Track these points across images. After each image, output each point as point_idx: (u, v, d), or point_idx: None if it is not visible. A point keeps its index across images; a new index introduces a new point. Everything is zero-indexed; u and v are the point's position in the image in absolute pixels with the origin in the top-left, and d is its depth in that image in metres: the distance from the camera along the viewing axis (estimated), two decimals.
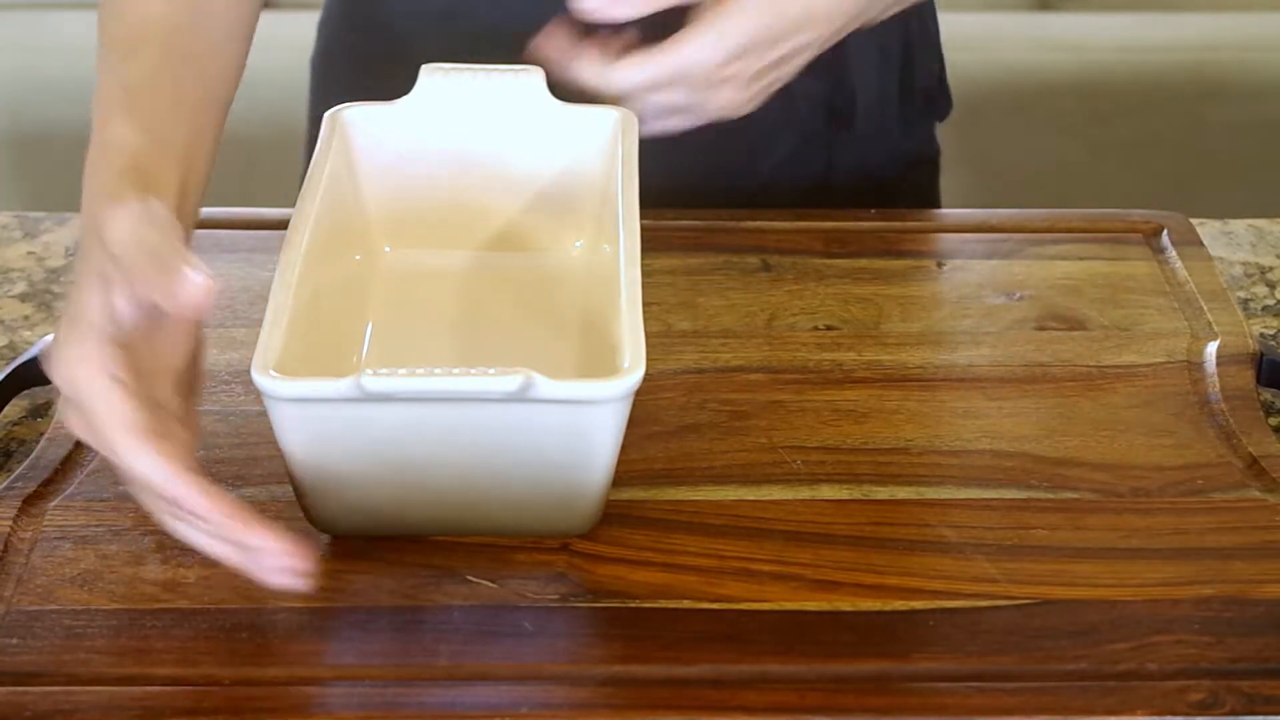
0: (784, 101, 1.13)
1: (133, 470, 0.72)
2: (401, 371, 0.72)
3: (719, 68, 0.91)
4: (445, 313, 0.91)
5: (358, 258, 0.91)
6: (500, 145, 0.93)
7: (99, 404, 0.71)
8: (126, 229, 0.73)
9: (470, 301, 0.91)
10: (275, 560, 0.72)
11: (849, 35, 1.11)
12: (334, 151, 0.90)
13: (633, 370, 0.73)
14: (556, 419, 0.74)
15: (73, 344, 0.72)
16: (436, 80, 0.92)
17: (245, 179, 1.56)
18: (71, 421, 0.74)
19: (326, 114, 0.92)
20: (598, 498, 0.79)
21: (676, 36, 0.91)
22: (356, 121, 0.92)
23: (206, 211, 1.05)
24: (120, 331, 0.73)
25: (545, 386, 0.72)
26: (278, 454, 0.85)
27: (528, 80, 0.92)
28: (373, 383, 0.71)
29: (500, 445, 0.75)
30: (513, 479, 0.76)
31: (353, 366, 0.84)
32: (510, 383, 0.71)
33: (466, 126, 0.92)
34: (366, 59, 1.14)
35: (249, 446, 0.86)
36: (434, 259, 0.93)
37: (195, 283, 0.71)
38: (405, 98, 0.92)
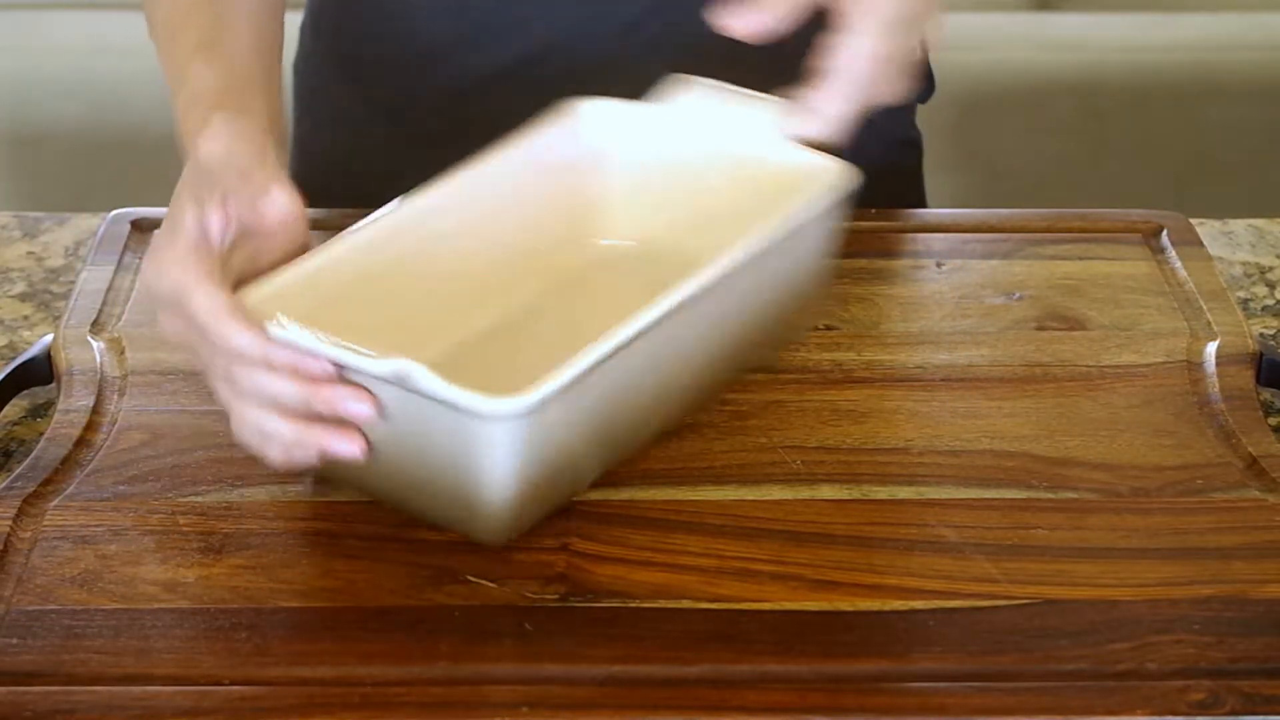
0: (774, 84, 1.13)
1: (230, 348, 0.76)
2: (307, 330, 0.74)
3: (885, 55, 0.87)
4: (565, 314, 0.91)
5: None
6: (717, 169, 0.92)
7: (197, 298, 0.76)
8: (219, 147, 0.80)
9: (593, 305, 0.91)
10: (342, 405, 0.76)
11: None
12: (560, 139, 0.91)
13: (521, 395, 0.73)
14: (450, 425, 0.74)
15: (167, 251, 0.78)
16: (680, 90, 0.93)
17: None
18: (166, 325, 0.79)
19: (562, 103, 0.93)
20: (501, 513, 0.78)
21: (838, 44, 0.87)
22: (592, 115, 0.93)
23: None
24: (209, 241, 0.78)
25: (424, 381, 0.73)
26: None
27: (763, 111, 0.91)
28: (276, 331, 0.75)
29: (405, 435, 0.76)
30: (420, 471, 0.77)
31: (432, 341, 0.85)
32: (384, 366, 0.73)
33: (699, 142, 0.92)
34: (348, 63, 1.14)
35: None
36: (609, 255, 0.93)
37: (278, 200, 0.78)
38: (650, 102, 0.93)
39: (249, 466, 0.84)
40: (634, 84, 1.11)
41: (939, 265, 1.02)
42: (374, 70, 1.10)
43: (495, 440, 0.74)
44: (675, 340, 0.81)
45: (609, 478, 0.84)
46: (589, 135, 0.93)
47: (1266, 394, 0.93)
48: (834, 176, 0.88)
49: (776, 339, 0.92)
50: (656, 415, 0.85)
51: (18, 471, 0.84)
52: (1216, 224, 1.09)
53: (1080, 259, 1.03)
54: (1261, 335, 0.98)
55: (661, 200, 0.93)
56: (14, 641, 0.74)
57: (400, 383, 0.73)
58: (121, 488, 0.83)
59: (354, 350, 0.74)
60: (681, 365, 0.83)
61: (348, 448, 0.77)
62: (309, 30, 1.19)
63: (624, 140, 0.93)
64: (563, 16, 1.09)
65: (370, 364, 0.74)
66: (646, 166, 0.94)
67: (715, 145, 0.92)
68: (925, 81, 1.20)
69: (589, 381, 0.75)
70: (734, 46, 1.12)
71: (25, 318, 0.99)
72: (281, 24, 0.97)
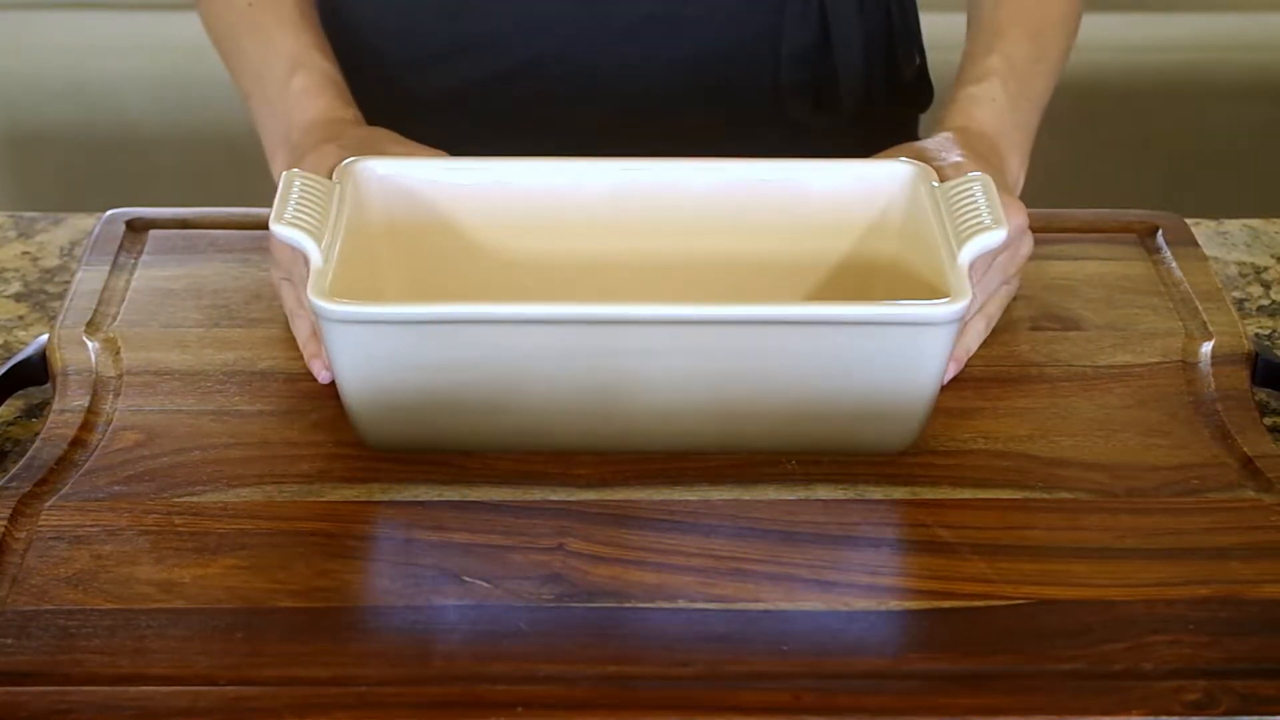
0: (771, 94, 1.14)
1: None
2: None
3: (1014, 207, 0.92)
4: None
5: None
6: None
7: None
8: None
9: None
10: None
11: (834, 27, 1.12)
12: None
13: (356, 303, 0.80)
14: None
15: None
16: None
17: (238, 179, 1.55)
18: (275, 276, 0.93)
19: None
20: (352, 412, 0.84)
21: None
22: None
23: (202, 211, 1.06)
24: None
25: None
26: (272, 454, 0.85)
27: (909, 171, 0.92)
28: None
29: None
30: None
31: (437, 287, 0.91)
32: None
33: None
34: (346, 69, 1.15)
35: (244, 447, 0.86)
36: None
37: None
38: None
39: (244, 467, 0.84)
40: (630, 90, 1.12)
41: None
42: (373, 76, 1.10)
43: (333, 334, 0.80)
44: (637, 350, 0.81)
45: (605, 478, 0.84)
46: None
47: (1262, 394, 0.93)
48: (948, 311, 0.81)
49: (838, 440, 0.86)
50: (600, 419, 0.84)
51: (13, 472, 0.84)
52: (1212, 224, 1.09)
53: (1075, 259, 1.03)
54: (1257, 335, 0.98)
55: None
56: (9, 642, 0.74)
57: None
58: (117, 488, 0.83)
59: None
60: (646, 382, 0.82)
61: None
62: None
63: None
64: (560, 23, 1.10)
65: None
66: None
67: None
68: (924, 90, 1.21)
69: (458, 327, 0.79)
70: (726, 57, 1.12)
71: (20, 318, 0.99)
72: None
